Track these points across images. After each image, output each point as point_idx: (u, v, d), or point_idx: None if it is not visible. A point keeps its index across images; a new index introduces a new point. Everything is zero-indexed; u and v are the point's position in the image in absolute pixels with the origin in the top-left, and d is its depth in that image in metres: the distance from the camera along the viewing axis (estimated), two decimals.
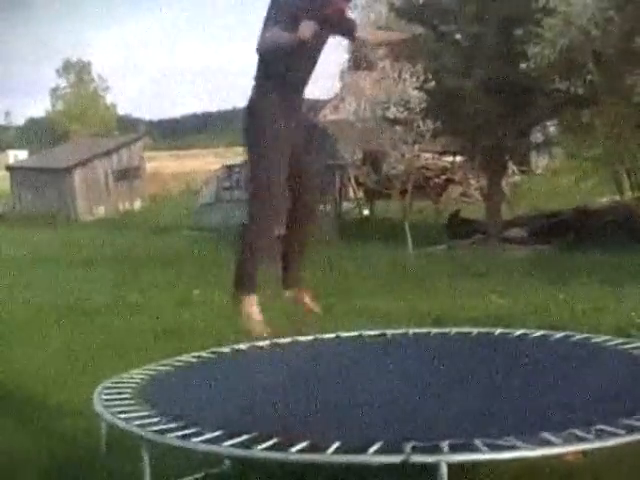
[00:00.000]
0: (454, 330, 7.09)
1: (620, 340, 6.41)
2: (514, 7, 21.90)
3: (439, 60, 22.48)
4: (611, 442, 4.21)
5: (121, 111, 78.48)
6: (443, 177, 28.35)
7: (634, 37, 18.83)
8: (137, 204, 44.86)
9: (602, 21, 19.49)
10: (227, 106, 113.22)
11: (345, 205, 32.47)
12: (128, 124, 79.61)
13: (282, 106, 5.35)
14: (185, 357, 6.54)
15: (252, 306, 5.44)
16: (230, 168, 34.99)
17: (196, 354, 6.60)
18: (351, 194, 32.85)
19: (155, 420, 4.81)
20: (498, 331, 6.86)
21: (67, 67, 76.99)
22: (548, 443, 4.14)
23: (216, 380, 5.96)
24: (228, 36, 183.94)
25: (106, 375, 6.05)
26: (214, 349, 6.75)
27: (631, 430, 4.29)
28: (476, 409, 4.90)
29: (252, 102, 5.44)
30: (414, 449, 4.06)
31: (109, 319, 11.86)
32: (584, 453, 4.84)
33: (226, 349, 6.76)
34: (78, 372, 8.26)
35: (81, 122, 71.90)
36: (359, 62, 28.84)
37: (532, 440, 4.15)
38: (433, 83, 22.19)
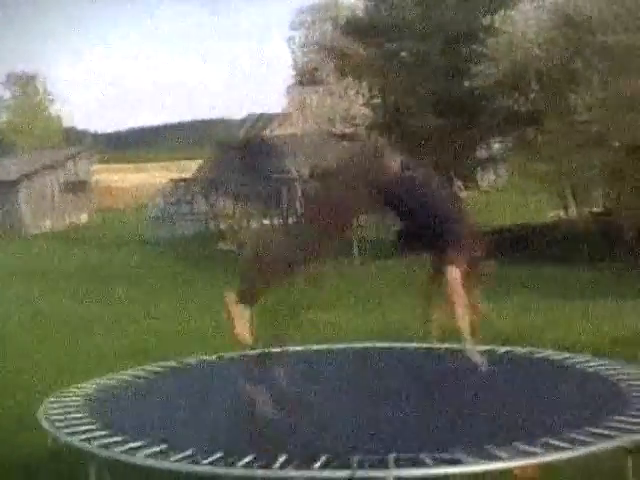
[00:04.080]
0: (398, 345, 7.12)
1: (565, 354, 6.47)
2: (459, 26, 22.14)
3: (385, 77, 22.65)
4: (556, 456, 4.24)
5: (68, 124, 77.70)
6: None
7: (575, 57, 19.11)
8: (83, 217, 44.50)
9: (544, 41, 19.76)
10: (174, 120, 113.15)
11: (293, 219, 32.51)
12: (75, 137, 79.03)
13: None
14: (134, 370, 6.49)
15: (241, 317, 5.45)
16: (177, 182, 34.90)
17: (145, 367, 6.57)
18: (298, 209, 32.88)
19: (101, 433, 4.77)
20: (445, 345, 6.89)
21: (11, 79, 76.21)
22: (494, 457, 4.17)
23: (165, 394, 5.92)
24: (177, 51, 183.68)
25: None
26: (163, 363, 6.72)
27: (577, 444, 4.33)
28: (423, 423, 4.92)
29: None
30: (360, 463, 4.06)
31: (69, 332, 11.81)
32: (541, 468, 4.87)
33: (174, 363, 6.73)
34: (42, 384, 8.18)
35: (26, 134, 71.18)
36: (306, 78, 28.96)
37: (478, 454, 4.17)
38: (379, 99, 22.34)
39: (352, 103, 22.95)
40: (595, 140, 18.90)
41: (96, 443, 4.64)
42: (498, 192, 31.20)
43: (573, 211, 24.05)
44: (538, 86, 20.09)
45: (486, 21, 21.07)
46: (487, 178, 34.43)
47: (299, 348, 7.17)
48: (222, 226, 30.08)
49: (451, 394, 5.52)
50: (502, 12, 21.18)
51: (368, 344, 7.36)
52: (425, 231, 5.50)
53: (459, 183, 26.38)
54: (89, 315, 13.82)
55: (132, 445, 4.51)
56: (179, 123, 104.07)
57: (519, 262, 19.81)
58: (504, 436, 4.45)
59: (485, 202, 29.90)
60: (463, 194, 27.65)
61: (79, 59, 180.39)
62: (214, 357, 6.90)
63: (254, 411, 5.32)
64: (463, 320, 5.39)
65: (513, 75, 20.27)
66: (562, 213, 24.90)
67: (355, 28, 24.45)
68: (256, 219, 29.33)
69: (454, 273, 5.35)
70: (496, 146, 25.96)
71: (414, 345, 7.06)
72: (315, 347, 7.23)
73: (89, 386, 5.98)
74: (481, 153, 26.04)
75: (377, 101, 22.57)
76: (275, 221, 28.90)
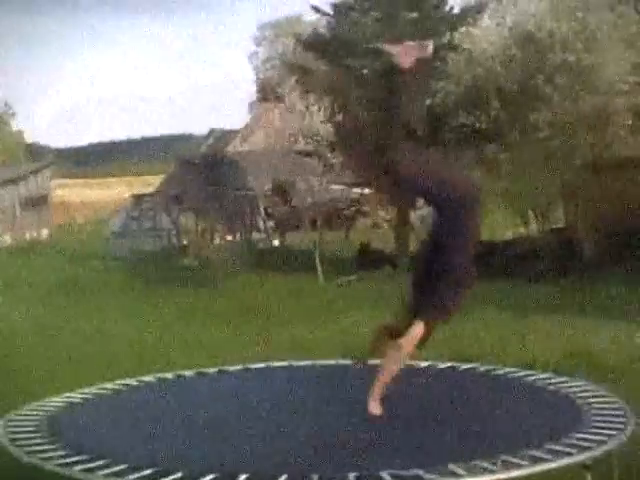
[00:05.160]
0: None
1: (525, 372, 6.52)
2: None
3: (346, 93, 22.72)
4: (515, 473, 4.28)
5: (28, 139, 77.20)
6: (353, 209, 28.56)
7: (536, 74, 19.27)
8: (44, 232, 44.19)
9: (505, 58, 19.92)
10: (136, 135, 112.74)
11: (255, 236, 32.47)
12: (35, 152, 78.53)
13: None
14: (93, 389, 6.47)
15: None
16: (139, 197, 34.76)
17: (104, 386, 6.55)
18: (261, 225, 32.89)
19: (60, 453, 4.75)
20: (406, 362, 6.91)
21: None
22: (453, 474, 4.20)
23: (123, 412, 5.91)
24: (140, 66, 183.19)
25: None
26: (121, 381, 6.70)
27: (535, 461, 4.38)
28: (382, 441, 4.94)
29: None
30: None
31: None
32: None
33: (133, 381, 6.71)
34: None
35: None
36: (267, 94, 29.02)
37: (438, 471, 4.20)
38: (341, 116, 22.40)
39: (314, 119, 22.98)
40: (555, 157, 19.06)
41: (55, 462, 4.62)
42: None
43: (534, 228, 24.20)
44: (499, 103, 20.22)
45: (446, 37, 21.22)
46: None
47: (261, 365, 7.18)
48: (185, 242, 30.00)
49: (412, 412, 5.55)
50: (463, 29, 21.33)
51: (331, 361, 7.38)
52: (431, 278, 5.39)
53: (422, 200, 26.49)
54: (41, 329, 13.76)
55: (91, 465, 4.50)
56: (142, 138, 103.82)
57: (479, 278, 19.89)
58: (463, 453, 4.48)
59: None
60: (425, 210, 27.81)
61: (41, 75, 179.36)
62: (173, 375, 6.89)
63: (212, 429, 5.32)
64: (379, 385, 5.32)
65: (474, 92, 20.39)
66: (522, 229, 25.05)
67: (317, 44, 24.51)
68: (219, 235, 29.27)
69: (417, 330, 5.31)
70: (456, 163, 26.05)
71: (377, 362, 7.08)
72: (276, 364, 7.23)
73: (49, 404, 5.96)
74: None
75: (339, 118, 22.62)
76: (237, 238, 28.89)
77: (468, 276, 5.42)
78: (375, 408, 5.23)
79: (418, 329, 5.28)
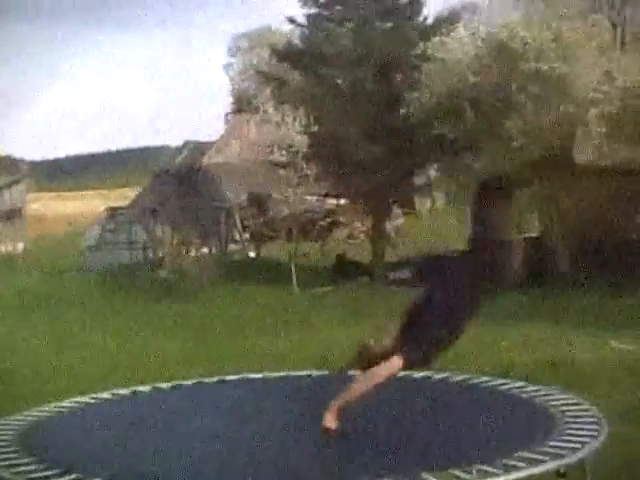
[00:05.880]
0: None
1: (499, 381, 6.53)
2: (393, 53, 22.34)
3: (320, 104, 22.75)
4: None
5: (2, 152, 76.88)
6: (328, 220, 28.55)
7: (510, 83, 19.36)
8: (20, 246, 43.97)
9: (479, 68, 20.00)
10: (112, 147, 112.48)
11: (231, 247, 32.41)
12: (10, 165, 78.09)
13: None
14: (65, 402, 6.43)
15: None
16: (114, 210, 34.66)
17: (76, 399, 6.51)
18: (237, 236, 32.83)
19: (32, 467, 4.72)
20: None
21: None
22: None
23: (94, 426, 5.88)
24: (115, 78, 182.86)
25: None
26: (94, 395, 6.66)
27: (510, 469, 4.38)
28: (356, 450, 4.93)
29: None
30: None
31: None
32: None
33: (106, 394, 6.68)
34: None
35: None
36: (243, 105, 29.01)
37: None
38: (316, 127, 22.40)
39: (289, 130, 22.99)
40: (528, 166, 19.13)
41: (26, 477, 4.60)
42: (436, 218, 31.41)
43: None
44: (473, 112, 20.29)
45: (420, 48, 21.32)
46: (425, 204, 34.67)
47: (235, 377, 7.16)
48: (161, 254, 29.92)
49: (386, 421, 5.54)
50: (437, 39, 21.40)
51: (306, 372, 7.36)
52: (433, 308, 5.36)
53: (398, 210, 26.55)
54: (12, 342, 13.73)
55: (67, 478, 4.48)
56: (117, 151, 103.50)
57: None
58: (439, 463, 4.48)
59: (422, 228, 30.13)
60: (401, 220, 27.89)
61: (14, 87, 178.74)
62: (149, 387, 6.86)
63: (185, 443, 5.30)
64: (341, 401, 5.27)
65: (448, 101, 20.46)
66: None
67: (291, 55, 24.55)
68: (195, 247, 29.21)
69: (394, 365, 5.27)
70: (432, 172, 26.15)
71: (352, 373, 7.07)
72: (251, 376, 7.21)
73: (20, 418, 5.92)
74: (419, 179, 26.20)
75: (314, 129, 22.64)
76: (213, 249, 28.86)
77: (458, 329, 5.42)
78: (330, 421, 5.16)
79: (396, 364, 5.24)
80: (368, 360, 5.33)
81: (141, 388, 6.80)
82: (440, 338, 5.33)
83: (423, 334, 5.30)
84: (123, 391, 6.71)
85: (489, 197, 5.71)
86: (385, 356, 5.24)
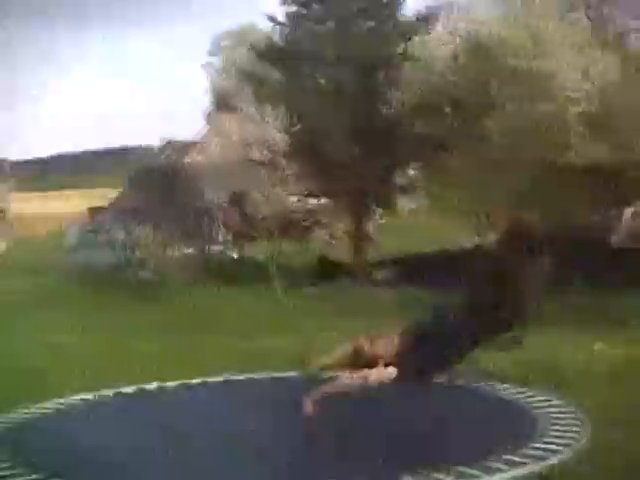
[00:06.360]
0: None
1: (482, 382, 6.52)
2: (373, 52, 22.36)
3: (301, 103, 22.75)
4: None
5: None
6: (310, 219, 28.53)
7: (489, 82, 19.39)
8: (2, 246, 43.79)
9: (457, 66, 20.03)
10: (94, 148, 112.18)
11: (213, 248, 32.35)
12: None
13: None
14: (46, 404, 6.40)
15: None
16: (95, 210, 34.55)
17: (58, 401, 6.47)
18: (219, 237, 32.76)
19: (12, 472, 4.70)
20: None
21: None
22: None
23: (74, 429, 5.84)
24: (97, 78, 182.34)
25: None
26: (79, 396, 6.62)
27: (491, 472, 4.38)
28: (334, 452, 4.92)
29: None
30: None
31: None
32: None
33: (89, 396, 6.64)
34: None
35: None
36: (223, 104, 28.94)
37: None
38: (297, 126, 22.41)
39: (270, 129, 22.99)
40: (507, 164, 19.15)
41: None
42: (418, 218, 31.42)
43: (490, 237, 24.30)
44: (452, 111, 20.32)
45: (401, 47, 21.35)
46: (407, 204, 34.64)
47: (219, 378, 7.13)
48: (142, 255, 29.82)
49: (367, 424, 5.53)
50: (417, 38, 21.43)
51: (286, 373, 7.33)
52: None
53: (379, 210, 26.55)
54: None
55: None
56: (98, 150, 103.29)
57: (436, 288, 19.93)
58: (419, 465, 4.47)
59: (404, 228, 30.15)
60: (382, 221, 27.88)
61: None
62: (132, 389, 6.82)
63: (164, 447, 5.28)
64: (324, 390, 5.24)
65: (429, 100, 20.48)
66: (477, 239, 25.15)
67: (271, 53, 24.55)
68: (176, 247, 29.14)
69: (388, 373, 5.24)
70: (412, 172, 26.17)
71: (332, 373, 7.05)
72: (234, 377, 7.18)
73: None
74: (401, 179, 26.23)
75: (296, 128, 22.66)
76: (195, 250, 28.78)
77: (465, 352, 5.39)
78: (309, 407, 5.16)
79: (388, 374, 5.22)
80: (361, 359, 5.31)
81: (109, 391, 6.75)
82: (443, 360, 5.30)
83: (427, 353, 5.25)
84: (87, 396, 6.66)
85: (514, 248, 5.38)
86: (377, 359, 5.20)
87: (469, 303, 5.34)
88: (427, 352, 5.24)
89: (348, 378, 5.27)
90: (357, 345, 5.41)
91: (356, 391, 5.21)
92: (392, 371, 5.19)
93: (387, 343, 5.31)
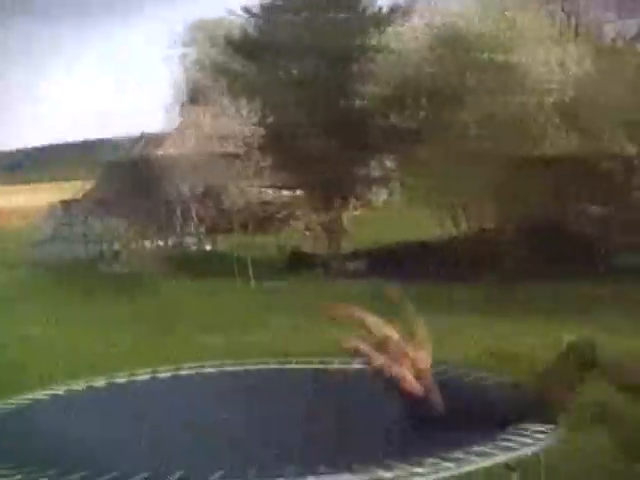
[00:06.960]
0: (289, 365, 7.05)
1: (458, 371, 6.49)
2: (347, 43, 22.36)
3: (274, 95, 22.73)
4: (439, 475, 4.24)
5: None
6: (284, 212, 28.51)
7: (465, 74, 19.42)
8: None
9: (433, 58, 20.05)
10: (64, 139, 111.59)
11: (187, 240, 32.26)
12: None
13: None
14: (18, 398, 6.33)
15: None
16: (68, 203, 34.37)
17: (30, 395, 6.40)
18: (192, 229, 32.67)
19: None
20: (335, 365, 6.85)
21: None
22: (377, 477, 4.15)
23: (48, 422, 5.78)
24: (68, 70, 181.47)
25: None
26: (51, 390, 6.56)
27: (460, 463, 4.35)
28: (304, 445, 4.88)
29: None
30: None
31: None
32: None
33: (60, 390, 6.58)
34: None
35: None
36: (197, 97, 28.86)
37: (361, 475, 4.15)
38: (271, 118, 22.40)
39: (245, 122, 22.97)
40: (482, 156, 19.20)
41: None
42: (391, 209, 31.44)
43: (465, 228, 24.37)
44: (427, 102, 20.34)
45: (375, 38, 21.34)
46: (380, 195, 34.67)
47: (192, 372, 7.08)
48: (116, 248, 29.73)
49: (335, 413, 5.50)
50: (391, 29, 21.43)
51: (262, 365, 7.29)
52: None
53: (354, 201, 26.56)
54: None
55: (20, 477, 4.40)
56: (71, 142, 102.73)
57: (407, 279, 19.95)
58: (387, 457, 4.44)
59: (377, 219, 30.16)
60: (357, 212, 27.88)
61: None
62: (104, 383, 6.75)
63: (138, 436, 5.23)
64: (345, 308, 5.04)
65: (402, 92, 20.49)
66: (454, 230, 25.21)
67: (246, 45, 24.51)
68: (149, 240, 29.06)
69: (416, 387, 5.09)
70: (387, 164, 26.20)
71: (314, 366, 7.02)
72: (207, 370, 7.13)
73: None
74: (376, 171, 26.25)
75: (269, 120, 22.64)
76: (170, 242, 28.70)
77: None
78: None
79: (419, 391, 4.88)
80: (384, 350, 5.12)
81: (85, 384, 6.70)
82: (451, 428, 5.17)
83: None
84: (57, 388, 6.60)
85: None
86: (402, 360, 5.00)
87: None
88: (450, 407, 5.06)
89: (387, 365, 5.03)
90: (390, 337, 5.25)
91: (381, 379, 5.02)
92: (419, 390, 4.97)
93: (421, 356, 5.02)
